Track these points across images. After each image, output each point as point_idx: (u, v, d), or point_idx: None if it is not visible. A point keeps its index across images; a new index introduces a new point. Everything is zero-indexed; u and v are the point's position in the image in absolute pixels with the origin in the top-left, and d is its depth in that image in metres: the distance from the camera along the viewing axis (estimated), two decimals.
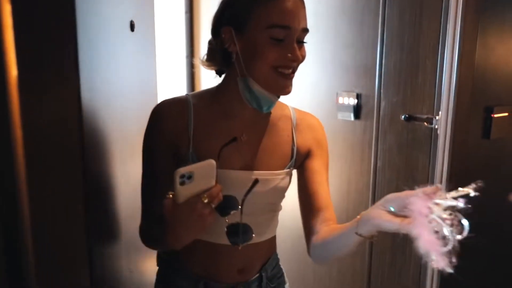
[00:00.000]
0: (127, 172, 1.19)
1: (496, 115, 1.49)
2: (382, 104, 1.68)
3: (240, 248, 0.95)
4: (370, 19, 1.70)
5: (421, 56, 1.52)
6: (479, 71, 1.45)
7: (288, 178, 1.14)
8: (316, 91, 1.98)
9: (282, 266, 1.26)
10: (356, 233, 0.89)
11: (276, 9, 0.94)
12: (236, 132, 1.06)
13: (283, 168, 1.12)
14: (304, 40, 1.00)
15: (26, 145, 0.51)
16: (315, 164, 1.13)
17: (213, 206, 0.88)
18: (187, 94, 1.09)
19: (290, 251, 1.88)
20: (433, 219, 0.69)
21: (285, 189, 1.14)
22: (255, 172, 1.07)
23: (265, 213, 1.13)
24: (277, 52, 0.96)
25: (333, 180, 1.20)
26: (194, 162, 1.03)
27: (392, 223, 0.77)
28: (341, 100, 1.87)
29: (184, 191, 0.87)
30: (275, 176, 1.10)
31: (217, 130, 1.06)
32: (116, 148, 1.10)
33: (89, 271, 0.63)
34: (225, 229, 0.95)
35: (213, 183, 0.88)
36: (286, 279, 1.27)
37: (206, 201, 0.86)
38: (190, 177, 0.86)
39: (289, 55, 0.96)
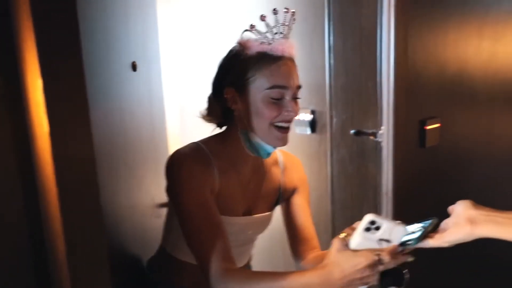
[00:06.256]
0: (133, 201, 1.30)
1: (428, 127, 1.74)
2: (334, 120, 1.90)
3: None
4: (318, 45, 1.91)
5: (363, 79, 1.75)
6: (412, 90, 1.69)
7: (271, 215, 1.28)
8: None
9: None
10: None
11: (274, 72, 1.03)
12: (244, 180, 1.17)
13: (271, 209, 1.26)
14: (298, 96, 1.10)
15: (57, 180, 0.67)
16: (301, 200, 1.28)
17: (381, 268, 0.82)
18: (196, 143, 1.14)
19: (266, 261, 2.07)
20: None
21: (268, 225, 1.28)
22: (254, 216, 1.20)
23: (249, 244, 1.29)
24: (276, 111, 1.04)
25: None
26: None
27: None
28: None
29: (363, 239, 0.82)
30: (266, 218, 1.25)
31: (231, 179, 1.14)
32: (121, 182, 1.21)
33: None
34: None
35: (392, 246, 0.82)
36: None
37: (377, 258, 0.81)
38: (377, 228, 0.82)
39: (286, 112, 1.05)
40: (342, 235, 0.86)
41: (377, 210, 1.78)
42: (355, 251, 0.82)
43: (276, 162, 1.27)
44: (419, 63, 1.71)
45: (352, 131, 1.79)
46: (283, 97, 1.05)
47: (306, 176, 1.32)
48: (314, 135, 2.03)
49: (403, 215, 1.75)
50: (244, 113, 1.08)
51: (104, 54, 1.09)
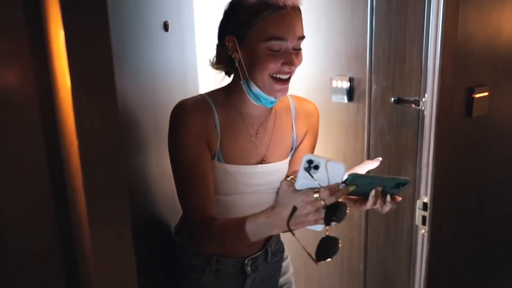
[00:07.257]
0: (162, 166, 1.29)
1: (477, 95, 1.62)
2: (373, 87, 1.81)
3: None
4: (359, 8, 1.80)
5: (407, 44, 1.63)
6: (460, 56, 1.57)
7: (288, 162, 1.26)
8: (311, 76, 2.10)
9: (283, 242, 1.41)
10: None
11: (273, 23, 1.00)
12: (252, 130, 1.15)
13: (286, 157, 1.23)
14: (300, 47, 1.06)
15: (80, 145, 0.64)
16: (305, 145, 1.26)
17: (323, 204, 0.85)
18: (202, 94, 1.14)
19: None
20: None
21: (286, 172, 1.26)
22: (266, 164, 1.18)
23: (270, 196, 1.26)
24: (275, 62, 1.02)
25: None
26: (220, 161, 1.10)
27: None
28: (334, 83, 1.99)
29: (304, 179, 0.86)
30: (282, 165, 1.22)
31: (237, 129, 1.13)
32: (151, 144, 1.20)
33: (135, 262, 0.76)
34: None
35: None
36: (287, 253, 1.42)
37: (317, 195, 0.85)
38: (316, 167, 0.85)
39: (286, 64, 1.02)
40: (289, 177, 0.91)
41: (416, 183, 1.70)
42: (299, 191, 0.87)
43: (288, 109, 1.24)
44: (470, 26, 1.58)
45: (392, 99, 1.70)
46: (283, 49, 1.02)
47: (318, 124, 1.29)
48: (351, 103, 1.94)
49: (444, 189, 1.67)
50: (245, 63, 1.06)
51: (133, 10, 1.06)
